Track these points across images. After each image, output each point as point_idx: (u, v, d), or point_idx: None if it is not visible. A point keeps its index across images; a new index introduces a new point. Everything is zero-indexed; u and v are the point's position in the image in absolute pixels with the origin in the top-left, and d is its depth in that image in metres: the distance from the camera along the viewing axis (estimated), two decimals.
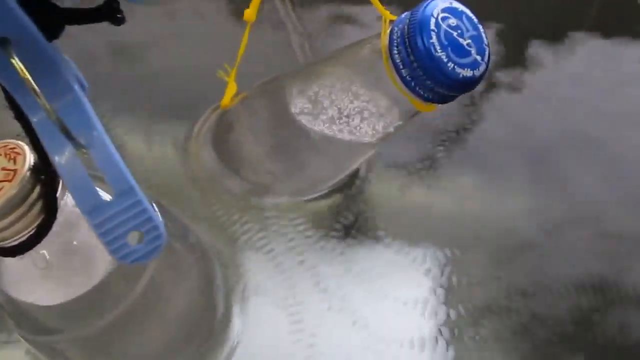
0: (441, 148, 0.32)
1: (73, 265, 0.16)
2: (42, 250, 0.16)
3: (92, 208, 0.12)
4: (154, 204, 0.19)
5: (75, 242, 0.16)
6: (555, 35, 0.39)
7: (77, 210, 0.13)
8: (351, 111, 0.22)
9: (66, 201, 0.15)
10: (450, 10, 0.19)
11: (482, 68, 0.19)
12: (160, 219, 0.17)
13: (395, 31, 0.19)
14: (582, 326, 0.27)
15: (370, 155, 0.26)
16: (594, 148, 0.34)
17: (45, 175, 0.14)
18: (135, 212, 0.12)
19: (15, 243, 0.14)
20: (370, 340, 0.26)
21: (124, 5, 0.13)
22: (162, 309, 0.19)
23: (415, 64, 0.19)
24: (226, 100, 0.27)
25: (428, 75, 0.19)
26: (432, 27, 0.18)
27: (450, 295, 0.27)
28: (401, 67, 0.19)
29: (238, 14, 0.24)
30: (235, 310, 0.26)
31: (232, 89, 0.27)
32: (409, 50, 0.19)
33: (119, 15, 0.13)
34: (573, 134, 0.34)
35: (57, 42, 0.13)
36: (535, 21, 0.40)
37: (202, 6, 0.38)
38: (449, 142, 0.33)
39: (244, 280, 0.27)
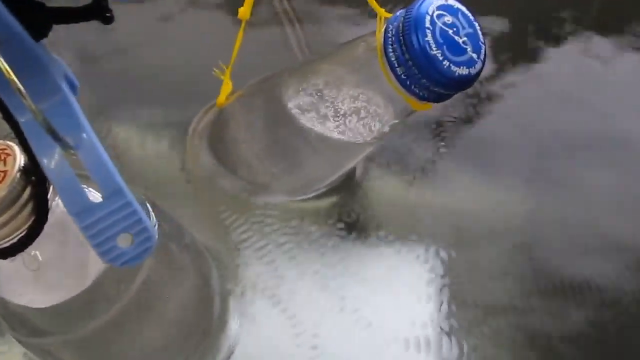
0: (441, 146, 0.32)
1: (65, 266, 0.16)
2: (34, 251, 0.15)
3: (80, 210, 0.12)
4: (148, 204, 0.19)
5: (67, 244, 0.16)
6: (555, 33, 0.39)
7: None
8: (347, 110, 0.22)
9: (58, 202, 0.15)
10: (446, 8, 0.19)
11: (478, 66, 0.19)
12: (151, 220, 0.17)
13: (390, 29, 0.19)
14: (584, 326, 0.27)
15: (368, 154, 0.26)
16: (594, 146, 0.34)
17: (35, 176, 0.14)
18: (125, 214, 0.12)
19: (6, 245, 0.14)
20: (372, 340, 0.26)
21: (120, 5, 0.13)
22: (156, 310, 0.19)
23: (410, 62, 0.18)
24: (222, 98, 0.27)
25: (423, 74, 0.18)
26: (427, 24, 0.18)
27: (452, 294, 0.27)
28: (396, 65, 0.19)
29: (234, 12, 0.24)
30: (232, 310, 0.26)
31: (227, 87, 0.27)
32: (404, 48, 0.18)
33: (107, 14, 0.13)
34: (574, 132, 0.34)
35: (54, 40, 0.13)
36: (536, 19, 0.40)
37: (198, 5, 0.37)
38: (449, 140, 0.32)
39: (240, 280, 0.27)
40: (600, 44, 0.39)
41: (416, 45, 0.18)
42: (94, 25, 0.13)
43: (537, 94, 0.36)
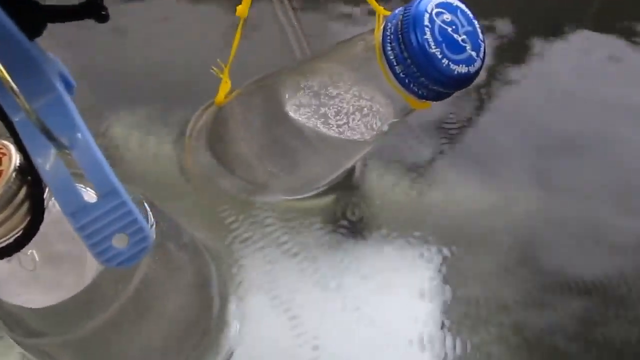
0: (442, 144, 0.32)
1: (62, 266, 0.16)
2: (30, 251, 0.15)
3: (75, 210, 0.12)
4: (146, 204, 0.19)
5: (64, 243, 0.16)
6: (556, 31, 0.39)
7: None
8: (345, 108, 0.22)
9: (54, 202, 0.15)
10: (445, 6, 0.19)
11: (477, 64, 0.19)
12: (149, 220, 0.17)
13: (388, 27, 0.19)
14: (586, 325, 0.27)
15: (368, 152, 0.26)
16: (596, 145, 0.34)
17: (31, 176, 0.14)
18: (120, 214, 0.12)
19: (2, 245, 0.14)
20: (373, 339, 0.26)
21: (121, 4, 0.12)
22: (155, 309, 0.19)
23: (409, 61, 0.18)
24: (220, 97, 0.27)
25: (422, 72, 0.18)
26: (426, 22, 0.18)
27: (454, 293, 0.27)
28: (395, 63, 0.19)
29: (232, 10, 0.24)
30: (232, 310, 0.26)
31: (226, 86, 0.26)
32: (403, 46, 0.18)
33: (103, 13, 0.12)
34: (575, 132, 0.34)
35: (51, 40, 0.13)
36: (536, 17, 0.40)
37: (197, 3, 0.37)
38: (450, 139, 0.32)
39: (240, 279, 0.27)
40: (601, 44, 0.38)
41: (415, 44, 0.18)
42: (91, 23, 0.13)
43: (538, 93, 0.36)
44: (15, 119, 0.12)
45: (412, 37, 0.18)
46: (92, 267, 0.16)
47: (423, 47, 0.18)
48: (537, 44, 0.38)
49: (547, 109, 0.35)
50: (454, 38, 0.19)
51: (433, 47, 0.18)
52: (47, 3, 0.12)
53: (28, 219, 0.14)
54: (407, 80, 0.19)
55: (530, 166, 0.32)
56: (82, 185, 0.13)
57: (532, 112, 0.35)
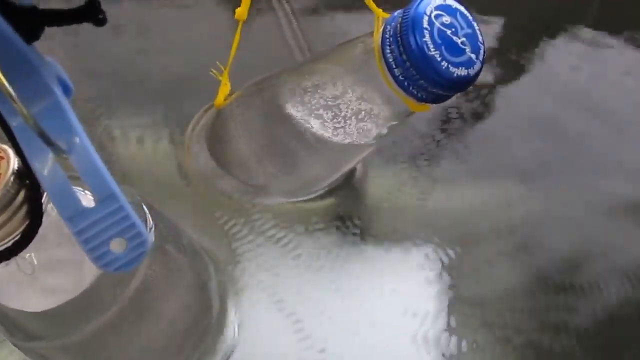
0: (443, 145, 0.32)
1: (61, 270, 0.16)
2: (29, 255, 0.15)
3: (73, 214, 0.12)
4: (144, 206, 0.18)
5: (62, 247, 0.16)
6: (556, 30, 0.39)
7: None
8: (345, 111, 0.22)
9: (52, 205, 0.15)
10: (444, 8, 0.19)
11: (476, 67, 0.19)
12: (148, 222, 0.17)
13: (387, 29, 0.19)
14: (587, 324, 0.27)
15: (368, 154, 0.26)
16: (596, 146, 0.34)
17: (30, 179, 0.14)
18: (118, 218, 0.12)
19: (1, 249, 0.14)
20: (375, 339, 0.26)
21: (116, 6, 0.12)
22: (154, 312, 0.19)
23: (408, 63, 0.18)
24: (220, 99, 0.27)
25: (421, 75, 0.18)
26: (425, 25, 0.18)
27: (456, 292, 0.27)
28: (394, 66, 0.19)
29: (232, 12, 0.24)
30: (231, 312, 0.26)
31: (225, 88, 0.26)
32: (402, 49, 0.18)
33: (100, 16, 0.12)
34: (575, 131, 0.34)
35: (50, 41, 0.13)
36: (536, 17, 0.40)
37: (196, 5, 0.37)
38: (451, 139, 0.32)
39: (239, 281, 0.27)
40: (601, 43, 0.38)
41: (414, 46, 0.18)
42: (90, 26, 0.13)
43: (538, 91, 0.36)
44: (13, 123, 0.12)
45: (411, 39, 0.18)
46: (90, 270, 0.16)
47: (422, 49, 0.18)
48: (537, 43, 0.38)
49: (548, 108, 0.35)
50: (453, 40, 0.18)
51: (432, 49, 0.18)
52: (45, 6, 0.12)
53: (26, 222, 0.14)
54: (406, 83, 0.19)
55: (532, 166, 0.32)
56: (80, 188, 0.13)
57: (533, 111, 0.35)
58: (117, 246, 0.12)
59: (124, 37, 0.35)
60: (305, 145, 0.24)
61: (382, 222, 0.29)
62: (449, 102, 0.21)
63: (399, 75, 0.19)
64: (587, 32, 0.39)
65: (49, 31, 0.12)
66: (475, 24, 0.19)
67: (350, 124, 0.22)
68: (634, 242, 0.30)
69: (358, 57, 0.21)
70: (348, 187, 0.30)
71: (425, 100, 0.20)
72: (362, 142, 0.23)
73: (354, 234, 0.28)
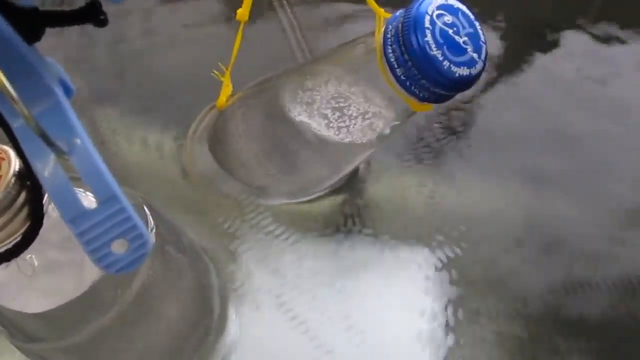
0: (445, 144, 0.32)
1: (61, 271, 0.16)
2: (29, 256, 0.15)
3: (74, 216, 0.12)
4: (145, 208, 0.18)
5: (63, 248, 0.16)
6: (557, 29, 0.39)
7: None
8: (347, 111, 0.22)
9: (54, 207, 0.15)
10: (446, 7, 0.19)
11: (478, 66, 0.19)
12: (149, 224, 0.17)
13: (389, 29, 0.19)
14: (588, 323, 0.27)
15: (371, 154, 0.26)
16: (596, 145, 0.33)
17: (31, 181, 0.14)
18: (120, 220, 0.12)
19: (1, 250, 0.14)
20: (376, 339, 0.26)
21: (117, 7, 0.12)
22: (155, 313, 0.19)
23: (409, 63, 0.18)
24: (222, 100, 0.27)
25: (423, 75, 0.18)
26: (427, 24, 0.18)
27: (457, 293, 0.27)
28: (396, 66, 0.19)
29: (233, 14, 0.24)
30: (232, 312, 0.25)
31: (227, 89, 0.26)
32: (403, 49, 0.18)
33: (101, 17, 0.12)
34: (572, 132, 0.34)
35: (45, 43, 0.13)
36: (539, 14, 0.40)
37: (198, 6, 0.37)
38: (453, 138, 0.32)
39: (240, 282, 0.26)
40: (602, 43, 0.38)
41: (415, 46, 0.18)
42: (92, 27, 0.13)
43: (539, 91, 0.36)
44: (14, 124, 0.12)
45: (413, 39, 0.18)
46: (91, 271, 0.16)
47: (424, 49, 0.18)
48: (538, 43, 0.38)
49: (549, 108, 0.35)
50: (455, 40, 0.18)
51: (434, 49, 0.18)
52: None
53: (27, 224, 0.14)
54: (408, 83, 0.19)
55: (533, 166, 0.32)
56: (81, 190, 0.13)
57: (534, 111, 0.35)
58: (118, 247, 0.12)
59: (126, 37, 0.35)
60: (307, 146, 0.24)
61: (385, 222, 0.29)
62: (452, 101, 0.21)
63: (400, 75, 0.19)
64: (591, 29, 0.39)
65: (51, 30, 0.12)
66: (477, 24, 0.19)
67: (352, 124, 0.22)
68: (636, 241, 0.30)
69: (359, 57, 0.21)
70: (351, 187, 0.30)
71: (427, 100, 0.20)
72: (364, 142, 0.23)
73: (357, 234, 0.28)
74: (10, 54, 0.11)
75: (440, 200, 0.30)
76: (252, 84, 0.26)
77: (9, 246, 0.14)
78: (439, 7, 0.18)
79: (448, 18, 0.19)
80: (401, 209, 0.30)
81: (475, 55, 0.19)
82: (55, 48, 0.31)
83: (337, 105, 0.22)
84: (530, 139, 0.33)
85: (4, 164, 0.14)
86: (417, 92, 0.19)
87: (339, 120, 0.22)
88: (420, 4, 0.18)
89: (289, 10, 0.36)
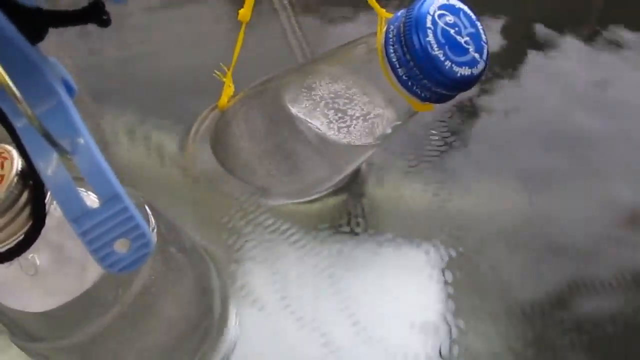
0: (447, 145, 0.32)
1: (64, 270, 0.16)
2: (31, 255, 0.15)
3: (77, 216, 0.12)
4: (147, 207, 0.18)
5: (65, 248, 0.16)
6: (558, 29, 0.39)
7: None
8: (348, 111, 0.22)
9: (56, 206, 0.15)
10: (448, 7, 0.19)
11: (480, 66, 0.19)
12: (150, 224, 0.17)
13: (391, 29, 0.19)
14: (589, 323, 0.27)
15: (372, 155, 0.26)
16: (596, 146, 0.33)
17: (33, 180, 0.14)
18: (122, 220, 0.12)
19: (4, 249, 0.14)
20: (378, 338, 0.26)
21: (120, 8, 0.12)
22: (155, 313, 0.19)
23: (411, 63, 0.18)
24: (223, 100, 0.27)
25: (425, 75, 0.18)
26: (429, 24, 0.18)
27: (458, 293, 0.27)
28: (397, 66, 0.19)
29: (235, 14, 0.24)
30: (233, 313, 0.25)
31: (229, 89, 0.26)
32: (405, 49, 0.18)
33: (104, 17, 0.12)
34: (573, 133, 0.34)
35: (48, 44, 0.13)
36: (540, 14, 0.40)
37: (199, 6, 0.37)
38: (455, 139, 0.32)
39: (241, 282, 0.26)
40: (602, 43, 0.38)
41: (417, 46, 0.18)
42: (95, 27, 0.13)
43: (540, 91, 0.36)
44: (18, 124, 0.12)
45: (415, 39, 0.18)
46: (92, 271, 0.16)
47: (425, 49, 0.18)
48: (539, 43, 0.38)
49: (551, 109, 0.35)
50: (457, 40, 0.18)
51: (436, 49, 0.18)
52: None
53: (29, 223, 0.14)
54: (409, 83, 0.19)
55: (534, 167, 0.32)
56: (82, 189, 0.13)
57: (534, 112, 0.35)
58: (121, 247, 0.12)
59: (129, 37, 0.35)
60: (309, 146, 0.24)
61: (386, 223, 0.29)
62: (454, 101, 0.21)
63: (402, 75, 0.19)
64: (592, 29, 0.39)
65: (53, 29, 0.12)
66: (478, 23, 0.19)
67: (354, 125, 0.22)
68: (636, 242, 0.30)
69: (361, 57, 0.21)
70: (352, 187, 0.30)
71: (429, 100, 0.20)
72: (366, 143, 0.23)
73: (359, 234, 0.28)
74: (14, 54, 0.11)
75: (442, 200, 0.30)
76: (253, 84, 0.26)
77: (11, 245, 0.14)
78: (440, 7, 0.18)
79: (450, 18, 0.19)
80: (403, 208, 0.30)
81: (476, 55, 0.19)
82: (57, 47, 0.31)
83: (338, 106, 0.22)
84: (532, 139, 0.33)
85: (7, 163, 0.14)
86: (419, 92, 0.19)
87: (340, 121, 0.22)
88: (422, 4, 0.18)
89: (290, 11, 0.36)
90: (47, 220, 0.14)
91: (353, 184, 0.30)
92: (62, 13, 0.12)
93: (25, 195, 0.14)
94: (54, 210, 0.15)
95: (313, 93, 0.22)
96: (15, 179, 0.13)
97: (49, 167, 0.12)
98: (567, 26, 0.39)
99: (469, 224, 0.29)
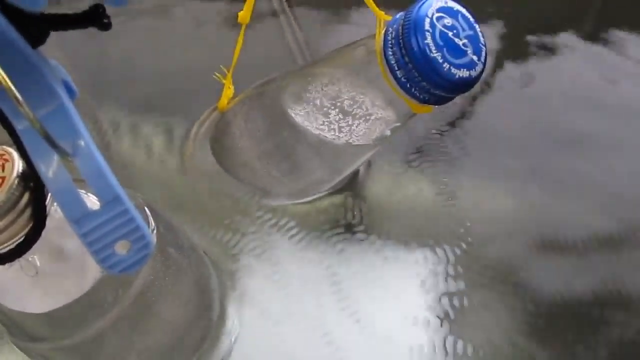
0: (445, 146, 0.32)
1: (64, 271, 0.16)
2: (32, 257, 0.15)
3: (78, 217, 0.12)
4: (147, 209, 0.19)
5: (66, 249, 0.16)
6: (554, 33, 0.39)
7: None
8: (347, 113, 0.22)
9: (56, 208, 0.15)
10: (446, 10, 0.19)
11: (478, 68, 0.19)
12: (150, 225, 0.17)
13: (389, 32, 0.19)
14: (590, 322, 0.27)
15: (371, 156, 0.26)
16: (595, 146, 0.34)
17: (34, 182, 0.14)
18: (123, 221, 0.12)
19: (4, 251, 0.14)
20: (379, 338, 0.26)
21: (121, 9, 0.13)
22: (155, 314, 0.19)
23: (410, 65, 0.18)
24: (223, 102, 0.27)
25: (423, 77, 0.18)
26: (427, 27, 0.18)
27: (458, 293, 0.27)
28: (396, 68, 0.19)
29: (235, 16, 0.24)
30: (231, 313, 0.26)
31: (229, 91, 0.27)
32: (404, 51, 0.18)
33: (105, 21, 0.13)
34: (574, 132, 0.34)
35: (49, 46, 0.13)
36: (536, 18, 0.40)
37: (199, 8, 0.37)
38: (453, 140, 0.32)
39: (240, 283, 0.27)
40: (603, 43, 0.38)
41: (416, 48, 0.18)
42: (94, 30, 0.13)
43: (538, 91, 0.36)
44: (19, 126, 0.12)
45: (413, 41, 0.18)
46: (92, 272, 0.16)
47: (424, 51, 0.18)
48: (538, 44, 0.38)
49: (548, 109, 0.35)
50: (455, 42, 0.19)
51: (434, 51, 0.18)
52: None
53: (30, 225, 0.14)
54: (408, 85, 0.19)
55: (532, 167, 0.32)
56: (82, 191, 0.13)
57: (533, 112, 0.35)
58: (121, 248, 0.12)
59: (129, 39, 0.35)
60: (308, 147, 0.24)
61: (385, 223, 0.29)
62: (452, 103, 0.21)
63: (401, 77, 0.19)
64: (592, 29, 0.39)
65: (56, 33, 0.12)
66: (476, 26, 0.20)
67: (353, 126, 0.22)
68: (635, 242, 0.30)
69: (360, 60, 0.21)
70: (351, 188, 0.30)
71: (428, 102, 0.20)
72: (365, 144, 0.23)
73: (359, 234, 0.28)
74: (15, 57, 0.11)
75: (441, 202, 0.30)
76: (253, 86, 0.26)
77: (12, 247, 0.14)
78: (439, 10, 0.19)
79: (448, 20, 0.19)
80: (403, 208, 0.30)
81: (475, 58, 0.19)
82: (57, 49, 0.31)
83: (337, 107, 0.22)
84: (533, 139, 0.33)
85: (8, 165, 0.14)
86: (418, 94, 0.19)
87: (339, 122, 0.22)
88: (420, 7, 0.18)
89: (289, 13, 0.36)
90: (47, 222, 0.14)
91: (353, 184, 0.30)
92: (63, 17, 0.12)
93: (26, 197, 0.14)
94: (54, 211, 0.15)
95: (312, 95, 0.23)
96: (16, 181, 0.14)
97: (50, 169, 0.12)
98: (566, 26, 0.39)
99: (470, 223, 0.29)
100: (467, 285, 0.27)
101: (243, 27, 0.24)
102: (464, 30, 0.19)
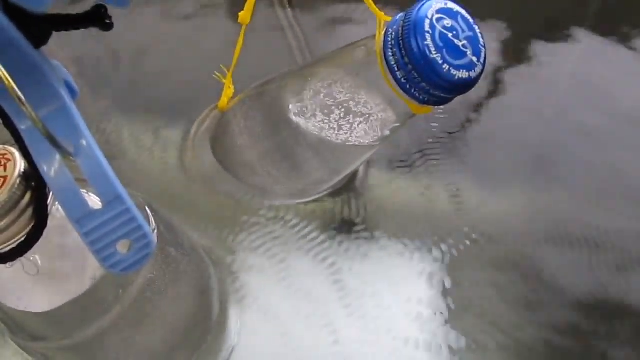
0: (444, 146, 0.32)
1: (65, 270, 0.16)
2: (33, 256, 0.16)
3: (80, 216, 0.12)
4: (147, 208, 0.19)
5: (67, 248, 0.16)
6: (556, 31, 0.39)
7: None
8: (347, 113, 0.22)
9: (58, 207, 0.15)
10: (445, 11, 0.19)
11: (478, 69, 0.19)
12: (151, 225, 0.17)
13: (389, 33, 0.19)
14: (590, 327, 0.27)
15: (371, 156, 0.26)
16: (595, 147, 0.34)
17: (35, 181, 0.14)
18: (124, 221, 0.12)
19: (6, 250, 0.14)
20: (379, 337, 0.26)
21: (122, 9, 0.13)
22: (155, 313, 0.19)
23: (410, 66, 0.18)
24: (223, 102, 0.27)
25: (423, 78, 0.18)
26: (427, 28, 0.18)
27: (458, 293, 0.27)
28: (396, 69, 0.19)
29: (235, 16, 0.24)
30: (231, 313, 0.26)
31: (229, 91, 0.27)
32: (404, 52, 0.18)
33: (107, 21, 0.13)
34: (574, 132, 0.34)
35: (51, 46, 0.13)
36: (534, 20, 0.40)
37: (200, 8, 0.37)
38: (452, 139, 0.32)
39: (240, 283, 0.27)
40: (600, 45, 0.39)
41: (416, 49, 0.18)
42: (96, 30, 0.13)
43: (537, 92, 0.36)
44: (21, 126, 0.12)
45: (413, 42, 0.18)
46: (93, 271, 0.16)
47: (424, 52, 0.18)
48: (537, 45, 0.38)
49: (547, 110, 0.35)
50: (455, 43, 0.19)
51: (434, 52, 0.18)
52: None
53: (32, 224, 0.14)
54: (408, 86, 0.19)
55: (531, 168, 0.32)
56: (84, 190, 0.14)
57: (532, 113, 0.35)
58: (123, 248, 0.12)
59: (130, 38, 0.35)
60: (308, 147, 0.24)
61: (384, 223, 0.29)
62: (450, 104, 0.21)
63: (401, 78, 0.19)
64: (588, 33, 0.39)
65: (59, 33, 0.12)
66: (476, 27, 0.20)
67: (352, 126, 0.22)
68: (635, 243, 0.30)
69: (360, 60, 0.21)
70: (351, 188, 0.30)
71: (427, 103, 0.20)
72: (365, 144, 0.23)
73: (357, 235, 0.28)
74: (18, 57, 0.11)
75: (440, 202, 0.30)
76: (253, 85, 0.27)
77: (14, 246, 0.14)
78: (438, 11, 0.19)
79: (448, 22, 0.19)
80: (400, 210, 0.30)
81: (474, 59, 0.19)
82: (58, 49, 0.31)
83: (337, 107, 0.22)
84: (533, 139, 0.33)
85: (10, 165, 0.14)
86: (417, 94, 0.19)
87: (339, 122, 0.23)
88: (420, 8, 0.18)
89: (290, 13, 0.36)
90: (49, 222, 0.14)
91: (352, 184, 0.30)
92: (65, 17, 0.12)
93: (27, 196, 0.14)
94: (55, 211, 0.15)
95: (312, 95, 0.23)
96: (18, 181, 0.14)
97: (52, 168, 0.12)
98: (567, 25, 0.39)
99: (470, 222, 0.29)
100: (471, 282, 0.27)
101: (243, 27, 0.24)
102: (463, 31, 0.19)
